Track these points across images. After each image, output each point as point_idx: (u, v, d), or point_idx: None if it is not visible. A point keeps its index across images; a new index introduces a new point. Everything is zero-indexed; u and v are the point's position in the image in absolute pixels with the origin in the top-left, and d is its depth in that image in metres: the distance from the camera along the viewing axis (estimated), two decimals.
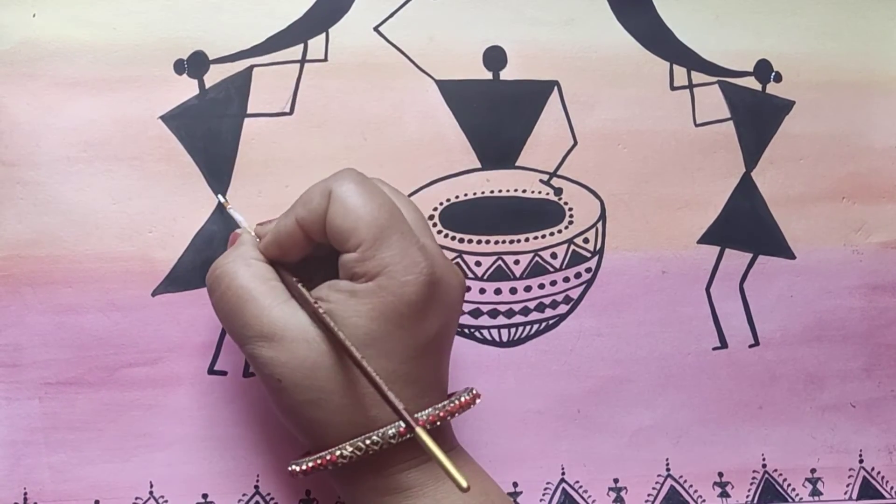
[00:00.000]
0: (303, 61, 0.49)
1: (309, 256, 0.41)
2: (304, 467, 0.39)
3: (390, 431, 0.37)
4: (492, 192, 0.50)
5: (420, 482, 0.38)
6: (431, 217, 0.50)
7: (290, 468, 0.40)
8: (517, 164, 0.51)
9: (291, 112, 0.49)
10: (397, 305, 0.37)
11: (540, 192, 0.51)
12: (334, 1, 0.49)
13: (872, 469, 0.53)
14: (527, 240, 0.51)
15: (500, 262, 0.50)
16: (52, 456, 0.47)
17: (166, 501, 0.47)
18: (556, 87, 0.51)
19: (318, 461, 0.38)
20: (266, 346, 0.37)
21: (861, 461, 0.53)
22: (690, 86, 0.52)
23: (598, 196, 0.51)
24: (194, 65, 0.48)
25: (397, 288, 0.37)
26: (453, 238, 0.50)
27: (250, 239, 0.42)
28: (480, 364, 0.50)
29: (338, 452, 0.37)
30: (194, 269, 0.48)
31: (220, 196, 0.48)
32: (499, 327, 0.51)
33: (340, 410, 0.38)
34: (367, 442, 0.37)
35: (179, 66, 0.48)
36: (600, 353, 0.51)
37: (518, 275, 0.51)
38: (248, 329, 0.38)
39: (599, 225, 0.51)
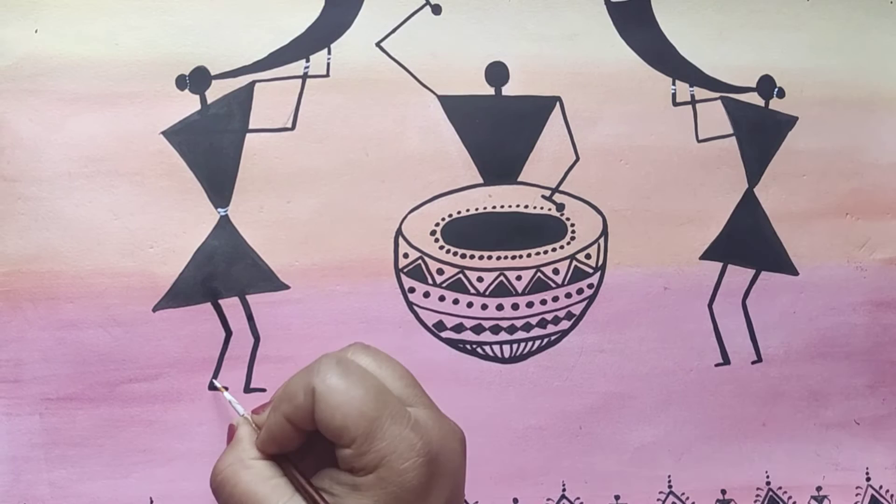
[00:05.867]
0: (305, 77, 0.49)
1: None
2: None
3: None
4: (494, 207, 0.50)
5: None
6: (433, 233, 0.50)
7: None
8: (519, 179, 0.51)
9: (293, 127, 0.49)
10: (400, 494, 0.37)
11: (542, 208, 0.51)
12: (336, 17, 0.49)
13: (881, 487, 0.53)
14: (529, 255, 0.51)
15: (502, 277, 0.50)
16: (52, 472, 0.47)
17: None
18: (558, 103, 0.51)
19: None
20: None
21: (868, 479, 0.53)
22: (693, 101, 0.52)
23: (600, 212, 0.51)
24: (196, 80, 0.48)
25: (397, 477, 0.37)
26: (455, 253, 0.50)
27: (248, 434, 0.42)
28: (482, 380, 0.50)
29: None
30: (195, 284, 0.48)
31: (215, 381, 0.48)
32: (500, 343, 0.50)
33: None
34: None
35: (181, 82, 0.48)
36: (602, 370, 0.51)
37: (520, 290, 0.50)
38: None
39: (601, 241, 0.51)
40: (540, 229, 0.51)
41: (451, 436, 0.40)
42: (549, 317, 0.51)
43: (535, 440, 0.51)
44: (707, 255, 0.52)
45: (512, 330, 0.51)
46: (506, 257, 0.50)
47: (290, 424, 0.39)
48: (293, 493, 0.38)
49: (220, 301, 0.48)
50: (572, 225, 0.51)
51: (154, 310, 0.48)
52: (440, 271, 0.50)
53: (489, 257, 0.50)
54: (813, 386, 0.53)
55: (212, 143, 0.48)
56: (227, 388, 0.47)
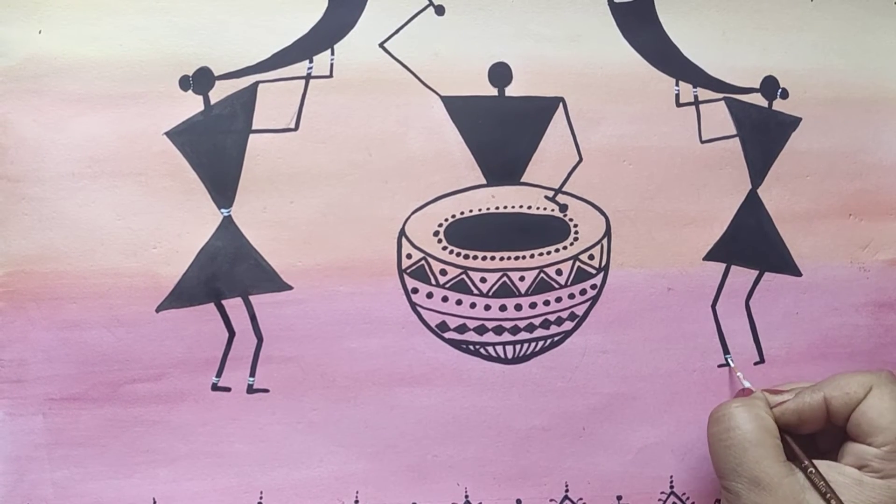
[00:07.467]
0: (308, 77, 0.49)
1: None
2: None
3: None
4: (497, 208, 0.50)
5: None
6: (437, 233, 0.50)
7: None
8: (522, 180, 0.51)
9: (296, 128, 0.49)
10: None
11: (545, 209, 0.51)
12: (340, 17, 0.49)
13: None
14: (532, 256, 0.51)
15: (505, 278, 0.50)
16: (55, 472, 0.47)
17: None
18: (561, 104, 0.51)
19: None
20: (755, 491, 0.42)
21: None
22: (696, 102, 0.52)
23: (604, 212, 0.51)
24: (199, 81, 0.48)
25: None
26: (458, 254, 0.50)
27: (763, 400, 0.46)
28: (485, 381, 0.50)
29: None
30: (199, 284, 0.48)
31: (729, 358, 0.52)
32: (504, 344, 0.51)
33: None
34: None
35: (184, 83, 0.48)
36: (605, 370, 0.51)
37: (523, 291, 0.50)
38: (742, 469, 0.43)
39: (605, 241, 0.51)
40: (543, 230, 0.51)
41: None
42: (552, 317, 0.51)
43: (538, 441, 0.51)
44: (710, 256, 0.52)
45: (515, 331, 0.51)
46: (509, 258, 0.50)
47: (826, 407, 0.44)
48: (786, 459, 0.43)
49: (224, 301, 0.48)
50: (575, 226, 0.51)
51: (157, 310, 0.48)
52: (443, 272, 0.50)
53: (492, 258, 0.50)
54: None
55: (215, 144, 0.48)
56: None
